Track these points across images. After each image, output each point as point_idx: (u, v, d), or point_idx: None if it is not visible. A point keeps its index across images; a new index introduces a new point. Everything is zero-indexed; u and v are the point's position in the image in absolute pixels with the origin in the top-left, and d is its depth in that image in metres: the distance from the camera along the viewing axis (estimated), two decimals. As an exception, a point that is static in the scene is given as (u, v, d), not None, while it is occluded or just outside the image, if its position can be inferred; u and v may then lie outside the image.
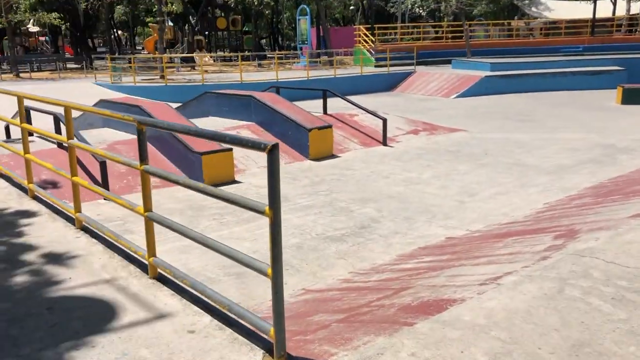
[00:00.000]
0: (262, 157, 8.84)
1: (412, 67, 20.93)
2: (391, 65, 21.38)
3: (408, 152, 9.39)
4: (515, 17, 44.21)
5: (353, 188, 7.27)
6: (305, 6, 26.03)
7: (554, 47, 26.05)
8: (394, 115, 11.86)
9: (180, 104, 12.54)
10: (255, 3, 30.11)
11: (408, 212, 6.21)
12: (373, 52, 24.12)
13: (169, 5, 26.10)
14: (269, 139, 9.26)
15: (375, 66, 22.99)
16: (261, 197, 6.84)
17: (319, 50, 29.26)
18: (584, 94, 16.61)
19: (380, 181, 7.58)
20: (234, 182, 7.65)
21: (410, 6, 46.79)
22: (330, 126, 9.16)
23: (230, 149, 7.64)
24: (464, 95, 16.80)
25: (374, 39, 24.70)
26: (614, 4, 32.61)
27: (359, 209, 6.37)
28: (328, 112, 11.06)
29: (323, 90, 10.90)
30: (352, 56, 26.48)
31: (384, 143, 9.88)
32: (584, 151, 9.05)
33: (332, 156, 9.13)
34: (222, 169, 7.56)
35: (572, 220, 4.56)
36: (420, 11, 50.63)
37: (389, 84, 19.97)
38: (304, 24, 24.78)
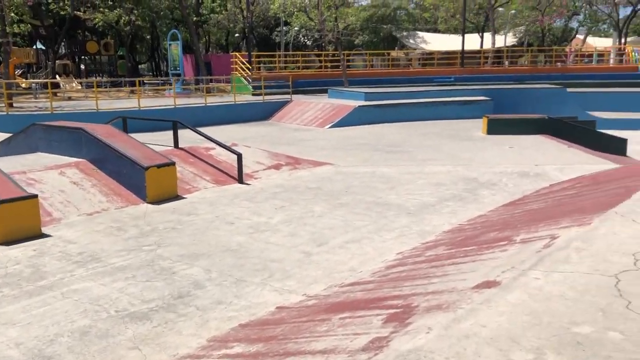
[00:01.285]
0: (88, 200, 7.48)
1: (288, 96, 20.27)
2: (268, 94, 20.62)
3: (264, 190, 8.44)
4: (396, 48, 45.72)
5: (187, 240, 6.15)
6: (176, 31, 24.69)
7: (428, 77, 26.73)
8: (257, 149, 10.94)
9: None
10: (125, 27, 28.23)
11: (242, 270, 5.20)
12: (250, 80, 23.27)
13: (16, 25, 23.62)
14: (100, 178, 7.93)
15: (253, 94, 22.13)
16: (68, 259, 5.52)
17: (198, 77, 27.97)
18: (454, 124, 16.75)
19: (222, 229, 6.53)
20: (41, 236, 6.23)
21: (294, 35, 46.99)
22: (172, 163, 8.00)
23: (34, 196, 6.24)
24: (338, 125, 16.31)
25: (250, 67, 23.87)
26: (482, 37, 34.49)
27: (184, 269, 5.27)
28: (181, 145, 9.90)
29: (173, 122, 9.73)
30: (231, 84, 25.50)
31: (240, 180, 8.87)
32: (448, 186, 8.61)
33: (177, 197, 7.96)
34: (22, 221, 6.13)
35: (415, 287, 3.78)
36: (305, 40, 51.16)
37: (265, 113, 19.13)
38: (175, 49, 23.43)
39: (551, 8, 32.61)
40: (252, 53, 25.47)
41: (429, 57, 36.08)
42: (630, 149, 15.46)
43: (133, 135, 9.62)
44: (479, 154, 11.69)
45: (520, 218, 5.89)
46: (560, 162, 10.58)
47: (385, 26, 43.06)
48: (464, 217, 6.84)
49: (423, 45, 43.98)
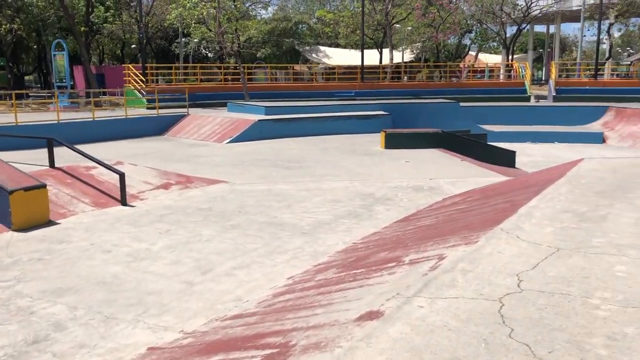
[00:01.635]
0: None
1: (185, 110, 19.54)
2: (163, 108, 19.78)
3: (150, 213, 7.84)
4: (299, 62, 45.97)
5: (54, 272, 5.48)
6: (61, 40, 23.15)
7: (330, 92, 26.96)
8: (145, 167, 10.27)
9: None
10: (5, 35, 26.12)
11: (114, 306, 4.65)
12: (144, 93, 22.24)
13: None
14: (-43, 205, 6.99)
15: (147, 108, 21.16)
16: None
17: (87, 90, 26.38)
18: (354, 138, 16.85)
19: (96, 258, 5.91)
20: None
21: (195, 47, 45.92)
22: (43, 185, 7.22)
23: None
24: (236, 140, 15.86)
25: (145, 79, 22.85)
26: (380, 53, 35.45)
27: (45, 307, 4.64)
28: (60, 165, 9.06)
29: (48, 139, 8.88)
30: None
31: (124, 202, 8.20)
32: (344, 202, 8.46)
33: (49, 223, 7.18)
34: None
35: (298, 320, 3.47)
36: (207, 52, 50.20)
37: (159, 127, 18.28)
38: (60, 60, 21.93)
39: (445, 25, 34.13)
40: (147, 65, 24.40)
41: (331, 72, 36.57)
42: (519, 161, 16.26)
43: (5, 153, 8.69)
44: (377, 168, 11.73)
45: (411, 235, 5.78)
46: (453, 175, 10.81)
47: (287, 40, 43.17)
48: (358, 234, 6.68)
49: (325, 60, 44.57)
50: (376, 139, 15.63)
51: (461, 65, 45.10)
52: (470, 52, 52.83)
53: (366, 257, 5.16)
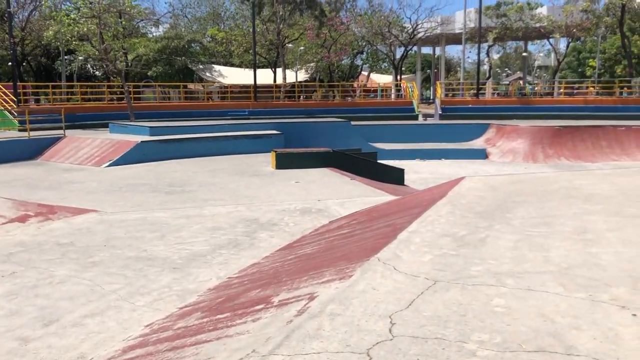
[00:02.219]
0: None
1: (61, 132, 18.02)
2: (37, 129, 18.13)
3: (-4, 252, 6.80)
4: (194, 81, 44.78)
5: None
6: None
7: (223, 111, 26.28)
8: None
9: None
10: None
11: None
12: (16, 114, 20.35)
13: None
14: None
15: (20, 130, 19.34)
16: None
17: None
18: (245, 159, 16.30)
19: None
20: None
21: (81, 65, 43.33)
22: None
23: None
24: (117, 163, 14.75)
25: (17, 99, 20.93)
26: (274, 72, 35.32)
27: None
28: None
29: None
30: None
31: (-35, 240, 7.09)
32: (225, 230, 7.87)
33: None
34: None
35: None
36: (94, 71, 47.58)
37: (32, 151, 16.68)
38: None
39: (337, 46, 34.67)
40: (21, 84, 22.42)
41: (226, 91, 35.87)
42: (408, 178, 16.48)
43: None
44: (265, 190, 11.26)
45: (289, 267, 5.33)
46: (342, 195, 10.57)
47: (179, 58, 41.88)
48: (235, 267, 6.13)
49: (220, 79, 43.80)
50: (268, 159, 15.19)
51: (355, 85, 46.12)
52: (363, 72, 54.28)
53: (236, 297, 4.62)
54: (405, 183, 16.11)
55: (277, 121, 20.61)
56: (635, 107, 27.18)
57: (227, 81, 42.49)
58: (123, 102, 24.39)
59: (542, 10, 37.20)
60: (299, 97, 34.22)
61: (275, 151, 14.32)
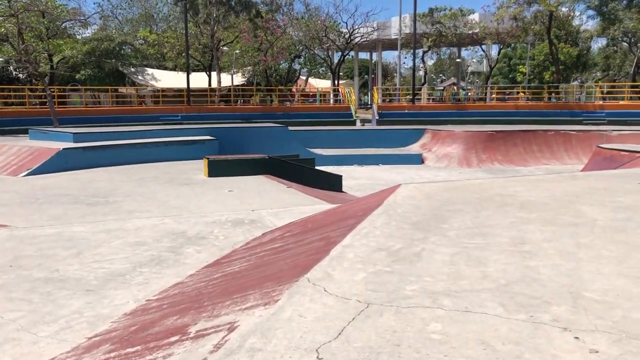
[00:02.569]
0: None
1: (-25, 138, 16.74)
2: (-53, 136, 16.74)
3: None
4: (126, 84, 43.24)
5: None
6: None
7: (156, 116, 25.33)
8: None
9: None
10: None
11: None
12: None
13: None
14: None
15: None
16: None
17: None
18: (176, 166, 15.63)
19: None
20: None
21: (2, 67, 40.97)
22: None
23: None
24: (36, 172, 13.76)
25: None
26: (209, 75, 34.52)
27: None
28: None
29: None
30: None
31: None
32: (149, 245, 7.33)
33: None
34: None
35: None
36: (17, 73, 45.06)
37: (-60, 160, 15.33)
38: None
39: (273, 49, 34.28)
40: None
41: (162, 95, 34.77)
42: (346, 184, 16.30)
43: None
44: (196, 200, 10.72)
45: (214, 288, 4.90)
46: (278, 204, 10.20)
47: (109, 61, 40.30)
48: (156, 287, 5.63)
49: (153, 82, 42.52)
50: (200, 167, 14.60)
51: (294, 89, 45.90)
52: (301, 77, 54.15)
53: (151, 325, 4.15)
54: (344, 189, 15.93)
55: (212, 126, 19.99)
56: (563, 112, 28.27)
57: (160, 85, 41.28)
58: (47, 106, 23.03)
59: (475, 17, 38.21)
60: (236, 101, 33.58)
61: (208, 158, 13.77)
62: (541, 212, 5.99)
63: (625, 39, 43.38)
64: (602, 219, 5.64)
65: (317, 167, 19.84)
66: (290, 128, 22.39)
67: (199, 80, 37.85)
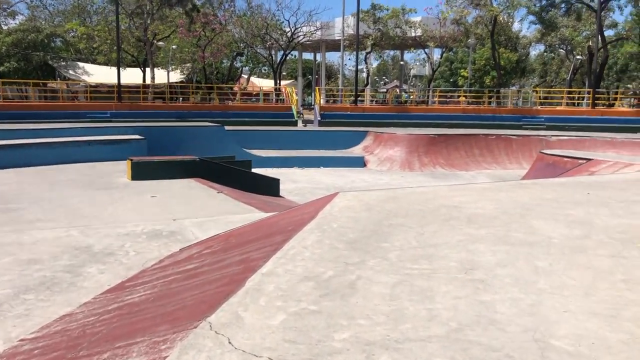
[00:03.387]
0: None
1: None
2: None
3: None
4: (57, 78, 40.75)
5: None
6: None
7: (84, 112, 23.66)
8: None
9: None
10: None
11: None
12: None
13: None
14: None
15: None
16: None
17: None
18: (98, 168, 14.34)
19: None
20: None
21: None
22: None
23: None
24: None
25: None
26: (144, 71, 32.87)
27: None
28: None
29: None
30: None
31: None
32: (44, 263, 6.24)
33: None
34: None
35: None
36: None
37: None
38: None
39: (212, 46, 32.99)
40: None
41: (96, 91, 32.84)
42: (285, 188, 15.46)
43: None
44: (112, 207, 9.59)
45: (101, 327, 3.95)
46: (204, 213, 9.24)
47: (37, 53, 37.82)
48: (38, 321, 4.61)
49: (85, 77, 40.32)
50: (124, 169, 13.39)
51: (236, 87, 44.69)
52: (243, 75, 52.90)
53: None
54: (282, 194, 15.09)
55: (141, 125, 18.69)
56: (504, 116, 28.47)
57: (93, 80, 39.18)
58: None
59: (417, 19, 38.25)
60: (172, 99, 32.08)
61: (132, 159, 12.58)
62: (491, 228, 5.36)
63: (562, 46, 44.64)
64: (557, 237, 5.05)
65: (254, 170, 18.90)
66: (228, 128, 21.32)
67: (134, 76, 36.02)
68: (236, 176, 13.65)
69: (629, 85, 46.54)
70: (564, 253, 4.53)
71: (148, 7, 26.88)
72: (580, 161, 12.83)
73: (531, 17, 33.20)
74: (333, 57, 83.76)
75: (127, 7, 29.81)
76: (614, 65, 44.34)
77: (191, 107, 27.81)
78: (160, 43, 32.34)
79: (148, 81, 31.55)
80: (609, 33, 37.50)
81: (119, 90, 25.42)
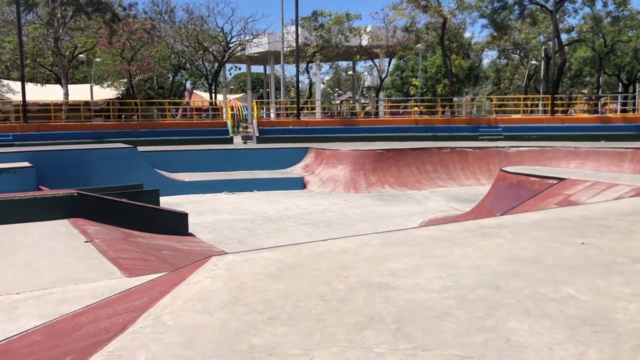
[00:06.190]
0: None
1: None
2: None
3: None
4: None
5: None
6: None
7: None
8: None
9: None
10: None
11: None
12: None
13: None
14: None
15: None
16: None
17: None
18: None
19: None
20: None
21: None
22: None
23: None
24: None
25: None
26: (66, 87, 29.62)
27: None
28: None
29: None
30: None
31: None
32: None
33: None
34: None
35: None
36: None
37: None
38: None
39: (138, 59, 30.01)
40: None
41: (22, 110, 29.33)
42: (202, 221, 12.83)
43: None
44: None
45: None
46: (40, 281, 6.45)
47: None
48: None
49: (10, 95, 36.63)
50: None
51: (189, 103, 42.09)
52: (195, 91, 50.20)
53: None
54: (196, 230, 12.41)
55: (33, 149, 15.66)
56: (459, 127, 26.47)
57: (18, 98, 35.55)
58: None
59: (367, 27, 36.29)
60: (114, 117, 28.90)
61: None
62: (436, 347, 2.83)
63: (516, 51, 43.37)
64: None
65: (175, 197, 16.13)
66: (145, 149, 18.45)
67: (55, 93, 32.63)
68: (132, 212, 10.88)
69: (584, 91, 45.67)
70: None
71: (59, 15, 23.72)
72: (551, 181, 10.61)
73: (483, 21, 31.66)
74: (287, 69, 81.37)
75: (42, 15, 26.64)
76: (567, 71, 43.36)
77: (112, 127, 24.70)
78: (81, 56, 29.13)
79: (74, 98, 28.28)
80: (564, 37, 36.29)
81: (25, 109, 22.18)
